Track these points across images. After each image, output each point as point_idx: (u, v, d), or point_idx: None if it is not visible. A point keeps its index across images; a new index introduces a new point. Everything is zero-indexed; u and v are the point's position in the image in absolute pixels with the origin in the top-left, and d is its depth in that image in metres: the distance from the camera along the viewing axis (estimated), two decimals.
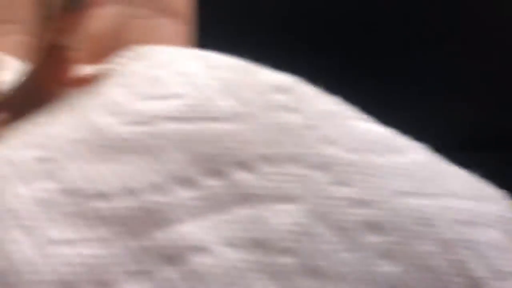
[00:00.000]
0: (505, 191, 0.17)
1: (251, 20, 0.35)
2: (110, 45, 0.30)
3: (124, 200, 0.16)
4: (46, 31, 0.23)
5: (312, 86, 0.17)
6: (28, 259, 0.16)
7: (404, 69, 0.35)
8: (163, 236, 0.16)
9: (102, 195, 0.16)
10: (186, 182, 0.16)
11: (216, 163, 0.16)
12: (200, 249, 0.15)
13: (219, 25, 0.31)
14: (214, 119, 0.17)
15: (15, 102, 0.23)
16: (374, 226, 0.15)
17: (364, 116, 0.17)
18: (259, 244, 0.15)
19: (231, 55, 0.20)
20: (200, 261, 0.15)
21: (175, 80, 0.20)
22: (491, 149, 0.35)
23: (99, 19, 0.29)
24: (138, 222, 0.16)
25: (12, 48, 0.30)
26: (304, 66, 0.19)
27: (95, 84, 0.21)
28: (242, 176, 0.16)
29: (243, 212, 0.15)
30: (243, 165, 0.16)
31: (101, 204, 0.16)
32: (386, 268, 0.15)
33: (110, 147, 0.18)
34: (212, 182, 0.16)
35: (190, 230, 0.15)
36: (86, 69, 0.24)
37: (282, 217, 0.15)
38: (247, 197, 0.16)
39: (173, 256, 0.15)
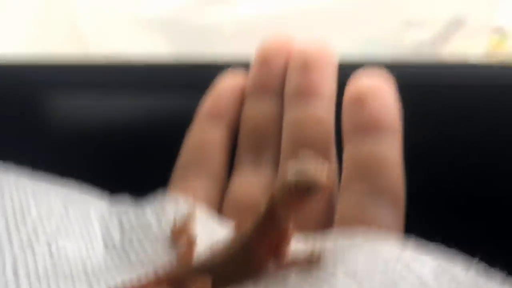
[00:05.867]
0: None
1: None
2: (319, 223, 0.26)
3: None
4: (270, 202, 0.21)
5: None
6: None
7: None
8: None
9: None
10: None
11: None
12: None
13: None
14: None
15: (220, 267, 0.21)
16: None
17: None
18: None
19: None
20: None
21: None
22: None
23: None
24: None
25: (199, 193, 0.27)
26: None
27: (311, 266, 0.20)
28: None
29: None
30: None
31: None
32: None
33: None
34: None
35: None
36: (297, 246, 0.22)
37: None
38: None
39: None
